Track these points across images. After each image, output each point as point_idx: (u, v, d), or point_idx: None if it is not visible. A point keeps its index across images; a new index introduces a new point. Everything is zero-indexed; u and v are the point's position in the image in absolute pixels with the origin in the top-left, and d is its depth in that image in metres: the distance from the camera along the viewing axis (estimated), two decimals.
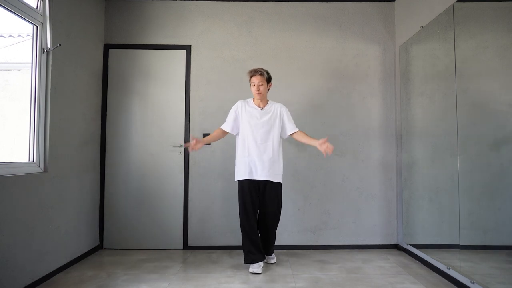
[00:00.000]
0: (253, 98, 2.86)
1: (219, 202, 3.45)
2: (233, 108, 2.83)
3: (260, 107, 2.79)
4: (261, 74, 2.74)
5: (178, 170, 3.45)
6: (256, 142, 2.71)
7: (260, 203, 2.78)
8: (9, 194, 2.15)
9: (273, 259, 2.96)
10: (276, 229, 2.89)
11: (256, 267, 2.70)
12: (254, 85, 2.75)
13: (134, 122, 3.48)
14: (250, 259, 2.74)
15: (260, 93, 2.74)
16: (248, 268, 2.78)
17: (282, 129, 2.82)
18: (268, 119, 2.75)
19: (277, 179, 2.74)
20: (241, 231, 2.78)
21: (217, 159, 3.46)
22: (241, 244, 3.31)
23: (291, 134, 2.82)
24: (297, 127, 2.83)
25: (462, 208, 2.33)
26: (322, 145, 2.50)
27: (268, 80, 2.80)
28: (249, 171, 2.70)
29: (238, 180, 2.78)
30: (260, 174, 2.69)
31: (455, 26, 2.40)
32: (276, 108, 2.80)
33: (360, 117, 3.53)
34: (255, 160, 2.70)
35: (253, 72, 2.75)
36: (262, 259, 2.75)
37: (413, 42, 3.09)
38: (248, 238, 2.74)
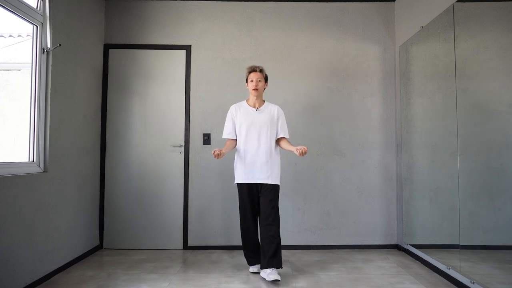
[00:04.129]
0: (247, 100, 2.77)
1: (219, 202, 3.45)
2: (229, 114, 2.74)
3: (255, 107, 2.69)
4: (260, 71, 2.68)
5: (178, 170, 3.45)
6: (253, 143, 2.61)
7: (259, 206, 2.66)
8: (9, 194, 2.15)
9: (272, 274, 2.43)
10: (278, 235, 2.55)
11: (256, 268, 2.70)
12: (252, 81, 2.66)
13: (134, 122, 3.48)
14: (248, 262, 2.75)
15: (257, 90, 2.65)
16: (248, 268, 2.79)
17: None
18: (264, 119, 2.64)
19: (274, 181, 2.60)
20: (241, 234, 2.73)
21: (217, 159, 3.45)
22: (241, 244, 3.31)
23: (277, 139, 2.69)
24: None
25: (462, 208, 2.33)
26: (298, 149, 2.44)
27: (266, 79, 2.74)
28: (246, 174, 2.61)
29: (237, 184, 2.69)
30: (257, 177, 2.59)
31: (455, 26, 2.40)
32: (273, 110, 2.70)
33: (360, 117, 3.52)
34: (252, 162, 2.60)
35: (252, 68, 2.69)
36: (259, 262, 2.68)
37: (413, 42, 3.09)
38: (246, 241, 2.70)
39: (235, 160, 2.73)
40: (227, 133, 2.73)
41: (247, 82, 2.73)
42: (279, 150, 2.73)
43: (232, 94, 3.48)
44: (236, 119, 2.70)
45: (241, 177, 2.64)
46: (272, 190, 2.59)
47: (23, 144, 2.54)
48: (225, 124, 2.75)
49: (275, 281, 2.45)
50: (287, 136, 2.69)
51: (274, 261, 2.49)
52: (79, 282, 2.49)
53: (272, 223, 2.55)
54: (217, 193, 3.45)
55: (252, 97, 2.71)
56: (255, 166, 2.59)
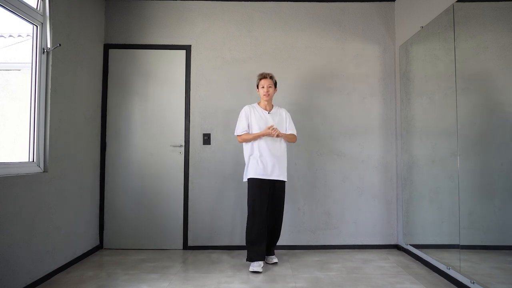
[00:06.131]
0: (258, 102, 2.98)
1: (219, 202, 3.45)
2: (243, 113, 2.91)
3: (267, 111, 2.92)
4: (271, 78, 2.90)
5: (178, 170, 3.45)
6: (267, 144, 2.82)
7: (269, 201, 2.84)
8: (9, 194, 2.15)
9: (275, 258, 2.98)
10: (281, 226, 2.98)
11: (257, 266, 2.72)
12: (263, 87, 2.88)
13: (134, 122, 3.48)
14: (251, 258, 2.76)
15: (269, 95, 2.88)
16: (248, 267, 2.79)
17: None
18: (277, 122, 2.89)
19: (285, 177, 2.89)
20: (247, 229, 2.80)
21: (217, 159, 3.46)
22: (240, 244, 3.33)
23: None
24: (297, 127, 2.97)
25: (462, 208, 2.33)
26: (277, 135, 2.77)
27: (275, 84, 2.94)
28: (261, 171, 2.79)
29: (249, 179, 2.83)
30: (272, 174, 2.81)
31: (455, 26, 2.40)
32: (281, 112, 2.97)
33: (360, 117, 3.52)
34: (267, 161, 2.81)
35: (263, 75, 2.91)
36: (262, 259, 2.78)
37: (413, 42, 3.09)
38: (254, 236, 2.75)
39: (247, 158, 2.88)
40: (242, 129, 2.88)
41: (257, 88, 2.95)
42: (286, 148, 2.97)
43: (232, 94, 3.48)
44: (251, 119, 2.90)
45: (255, 173, 2.80)
46: (283, 186, 2.92)
47: (23, 144, 2.54)
48: (240, 121, 2.92)
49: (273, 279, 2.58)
50: (295, 133, 2.98)
51: (274, 248, 3.04)
52: (79, 282, 2.49)
53: (281, 217, 2.95)
54: (217, 193, 3.45)
55: (264, 102, 2.93)
56: (270, 164, 2.81)
